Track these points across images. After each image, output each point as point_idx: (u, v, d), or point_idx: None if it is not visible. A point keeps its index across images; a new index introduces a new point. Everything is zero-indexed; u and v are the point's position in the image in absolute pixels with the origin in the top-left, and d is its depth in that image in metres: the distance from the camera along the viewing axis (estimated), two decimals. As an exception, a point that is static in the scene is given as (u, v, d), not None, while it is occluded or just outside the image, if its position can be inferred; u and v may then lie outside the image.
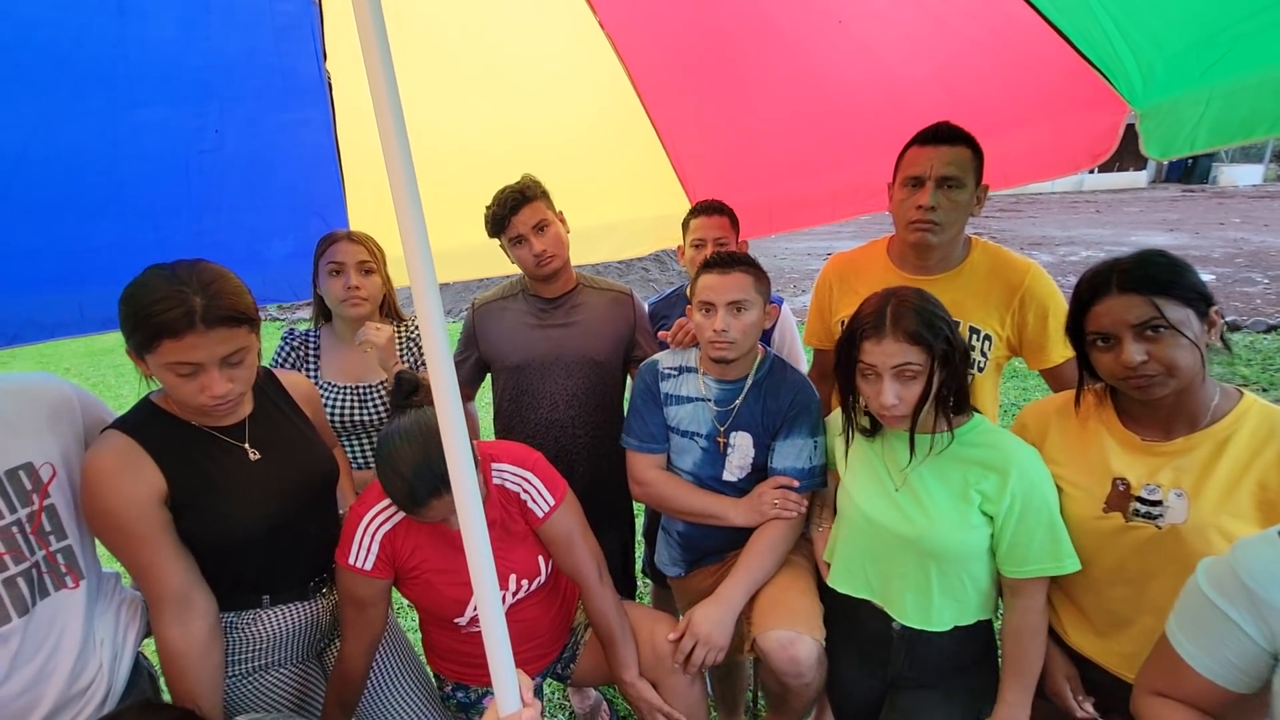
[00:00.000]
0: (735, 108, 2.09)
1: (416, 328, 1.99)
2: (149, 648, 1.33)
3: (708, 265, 1.58)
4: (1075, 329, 1.22)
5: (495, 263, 2.21)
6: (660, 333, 1.91)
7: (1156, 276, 1.11)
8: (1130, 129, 1.63)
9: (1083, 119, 1.67)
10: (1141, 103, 1.55)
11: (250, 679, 1.41)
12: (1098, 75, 1.56)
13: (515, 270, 2.03)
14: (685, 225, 2.12)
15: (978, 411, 1.35)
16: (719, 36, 1.88)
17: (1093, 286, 1.17)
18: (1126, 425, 1.24)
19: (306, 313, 8.07)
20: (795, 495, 1.60)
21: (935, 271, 1.66)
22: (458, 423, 0.89)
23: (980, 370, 1.66)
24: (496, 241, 1.95)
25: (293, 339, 1.91)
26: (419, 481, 1.23)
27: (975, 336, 1.64)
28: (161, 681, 1.32)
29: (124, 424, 1.25)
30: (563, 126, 2.23)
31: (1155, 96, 1.53)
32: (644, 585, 2.88)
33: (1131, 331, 1.12)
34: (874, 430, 1.42)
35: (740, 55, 1.92)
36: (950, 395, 1.29)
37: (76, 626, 1.18)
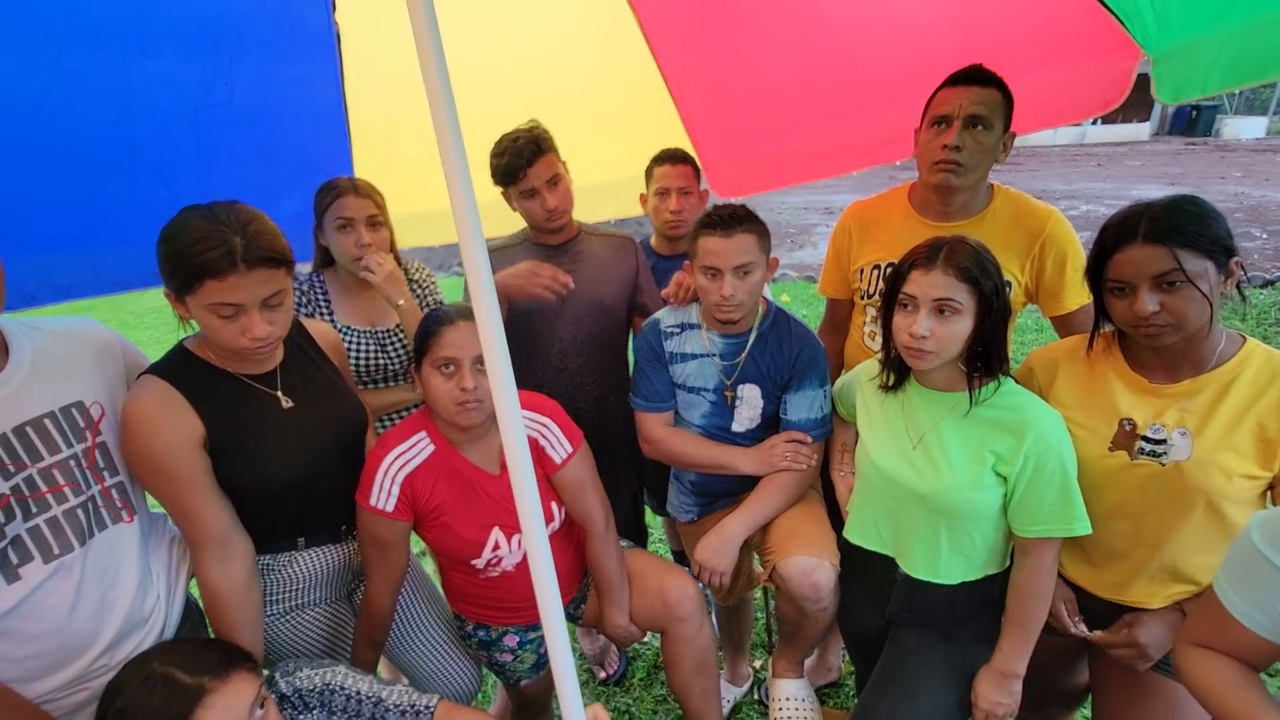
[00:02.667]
0: (745, 56, 2.06)
1: (418, 269, 1.97)
2: (193, 588, 1.38)
3: (709, 226, 1.54)
4: (1095, 273, 1.23)
5: (493, 222, 2.20)
6: (663, 291, 1.92)
7: (1184, 227, 1.12)
8: (1138, 78, 1.62)
9: (1097, 64, 1.66)
10: (1155, 46, 1.55)
11: (286, 618, 1.46)
12: (1112, 19, 1.55)
13: (506, 232, 2.01)
14: (649, 174, 2.12)
15: (1009, 377, 1.35)
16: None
17: (1119, 234, 1.18)
18: (1134, 369, 1.27)
19: (301, 269, 7.90)
20: (806, 449, 1.64)
21: (957, 218, 1.65)
22: (506, 373, 0.91)
23: (1009, 316, 1.67)
24: (494, 197, 1.91)
25: (298, 284, 1.84)
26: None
27: None
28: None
29: (160, 369, 1.27)
30: (571, 80, 2.19)
31: (1169, 39, 1.52)
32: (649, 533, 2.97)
33: (1149, 282, 1.14)
34: (898, 385, 1.43)
35: (752, 2, 1.88)
36: (983, 349, 1.29)
37: (133, 559, 1.22)
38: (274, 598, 1.44)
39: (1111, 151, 20.36)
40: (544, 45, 2.12)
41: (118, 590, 1.19)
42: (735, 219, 1.53)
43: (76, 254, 1.79)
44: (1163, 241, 1.12)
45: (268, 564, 1.43)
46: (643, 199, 2.20)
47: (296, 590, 1.47)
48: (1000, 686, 1.36)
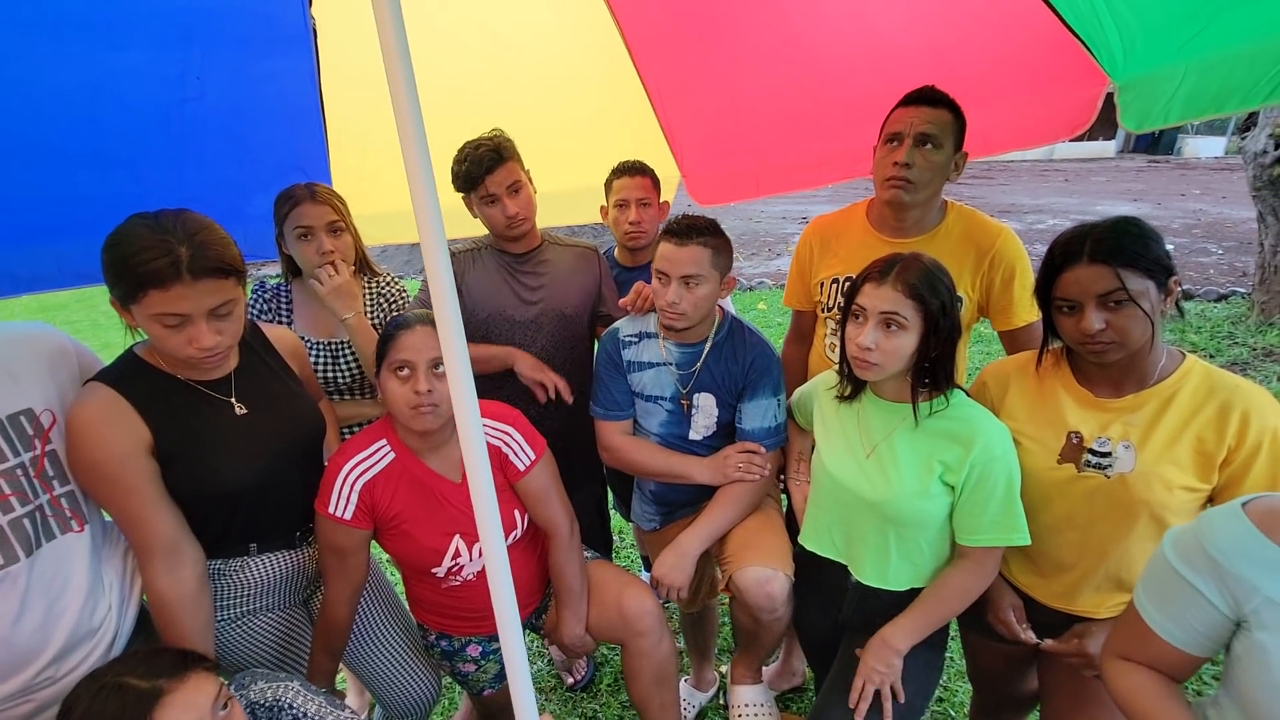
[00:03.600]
0: (726, 71, 2.08)
1: (389, 283, 1.95)
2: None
3: (667, 232, 1.58)
4: (1044, 291, 1.27)
5: (464, 225, 2.19)
6: (621, 301, 1.93)
7: (1126, 248, 1.17)
8: (1106, 99, 1.68)
9: (1064, 90, 1.71)
10: (1121, 75, 1.60)
11: (237, 624, 1.44)
12: (1080, 47, 1.60)
13: (479, 232, 2.00)
14: (608, 186, 2.13)
15: (960, 389, 1.39)
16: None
17: (1065, 253, 1.22)
18: (1081, 383, 1.32)
19: (272, 269, 7.83)
20: (759, 459, 1.66)
21: (911, 234, 1.69)
22: (467, 381, 0.91)
23: (959, 336, 1.72)
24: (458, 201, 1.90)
25: (264, 292, 1.84)
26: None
27: None
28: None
29: (107, 376, 1.24)
30: (554, 88, 2.19)
31: (1135, 70, 1.58)
32: (620, 539, 2.98)
33: (1095, 301, 1.19)
34: (853, 396, 1.46)
35: (734, 17, 1.90)
36: (930, 365, 1.32)
37: (83, 569, 1.19)
38: (224, 603, 1.42)
39: (1079, 167, 20.94)
40: (528, 55, 2.13)
41: (65, 601, 1.16)
42: (693, 229, 1.55)
43: (40, 247, 1.74)
44: (1107, 261, 1.17)
45: (218, 569, 1.40)
46: (603, 211, 2.21)
47: (248, 596, 1.44)
48: (879, 655, 1.39)
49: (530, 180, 1.89)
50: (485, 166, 1.76)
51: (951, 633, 1.59)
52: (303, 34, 1.78)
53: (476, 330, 1.95)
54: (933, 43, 1.80)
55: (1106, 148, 25.00)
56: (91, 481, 1.21)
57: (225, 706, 1.07)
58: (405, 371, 1.36)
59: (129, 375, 1.25)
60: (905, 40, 1.82)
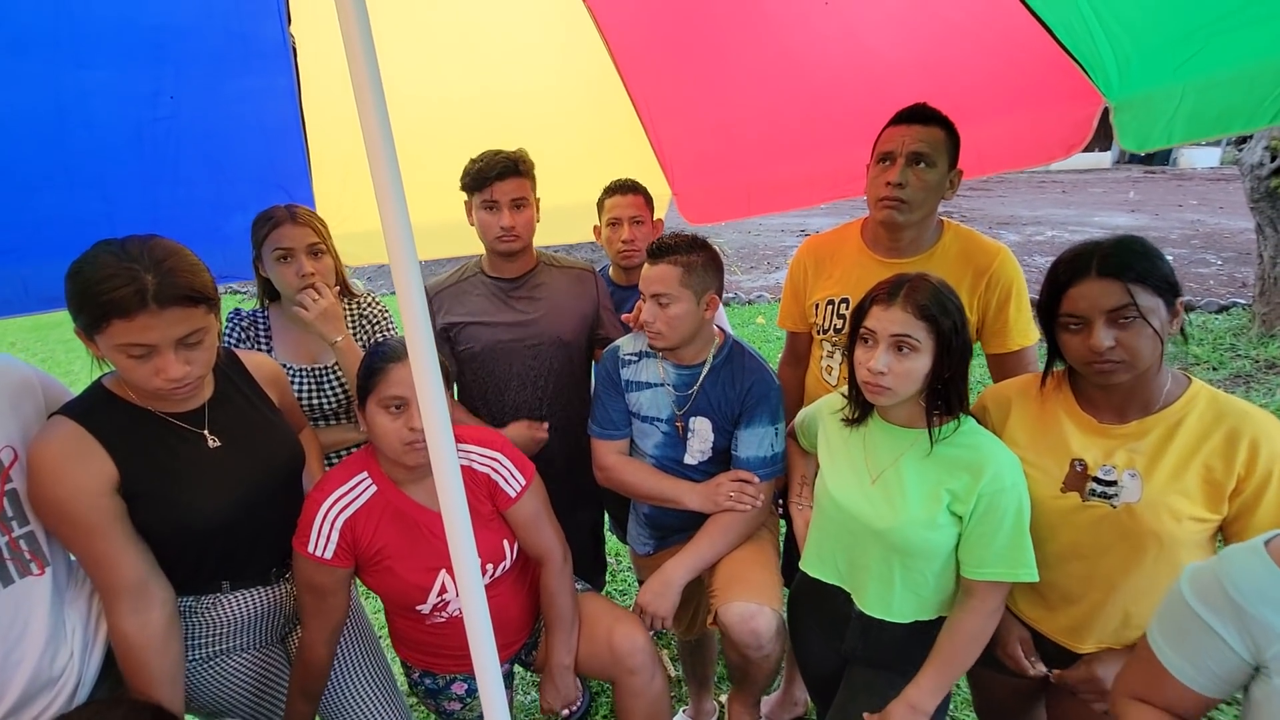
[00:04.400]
0: (717, 89, 2.06)
1: (370, 304, 1.91)
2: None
3: (647, 251, 1.59)
4: (1049, 310, 1.23)
5: (461, 243, 2.15)
6: (624, 315, 1.89)
7: (1134, 264, 1.14)
8: (1103, 113, 1.65)
9: (1059, 110, 1.68)
10: (1116, 96, 1.57)
11: (210, 664, 1.38)
12: (1075, 67, 1.57)
13: (478, 251, 1.97)
14: (600, 205, 2.13)
15: (970, 415, 1.35)
16: (703, 15, 1.84)
17: (1072, 269, 1.18)
18: (1084, 409, 1.28)
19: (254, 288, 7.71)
20: (752, 489, 1.62)
21: (907, 254, 1.66)
22: (439, 405, 0.87)
23: (970, 355, 1.68)
24: (462, 219, 1.89)
25: (240, 319, 1.79)
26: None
27: None
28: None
29: (72, 409, 1.19)
30: (542, 104, 2.17)
31: (1130, 90, 1.55)
32: (615, 561, 2.92)
33: (1104, 317, 1.14)
34: (859, 420, 1.42)
35: (724, 36, 1.88)
36: (942, 388, 1.29)
37: (43, 613, 1.14)
38: (196, 642, 1.36)
39: (1075, 178, 21.04)
40: (518, 75, 2.11)
41: (23, 649, 1.10)
42: (665, 249, 1.56)
43: (5, 271, 1.69)
44: (1117, 276, 1.13)
45: (190, 606, 1.34)
46: (596, 230, 2.20)
47: (221, 635, 1.38)
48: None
49: (537, 206, 1.87)
50: (497, 172, 1.75)
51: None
52: (281, 51, 1.75)
53: (474, 362, 1.91)
54: (925, 61, 1.78)
55: (1102, 159, 25.16)
56: (53, 520, 1.16)
57: None
58: (398, 408, 1.32)
59: (95, 408, 1.20)
60: (897, 58, 1.79)
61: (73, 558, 1.25)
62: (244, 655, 1.42)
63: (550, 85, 2.19)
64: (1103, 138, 1.69)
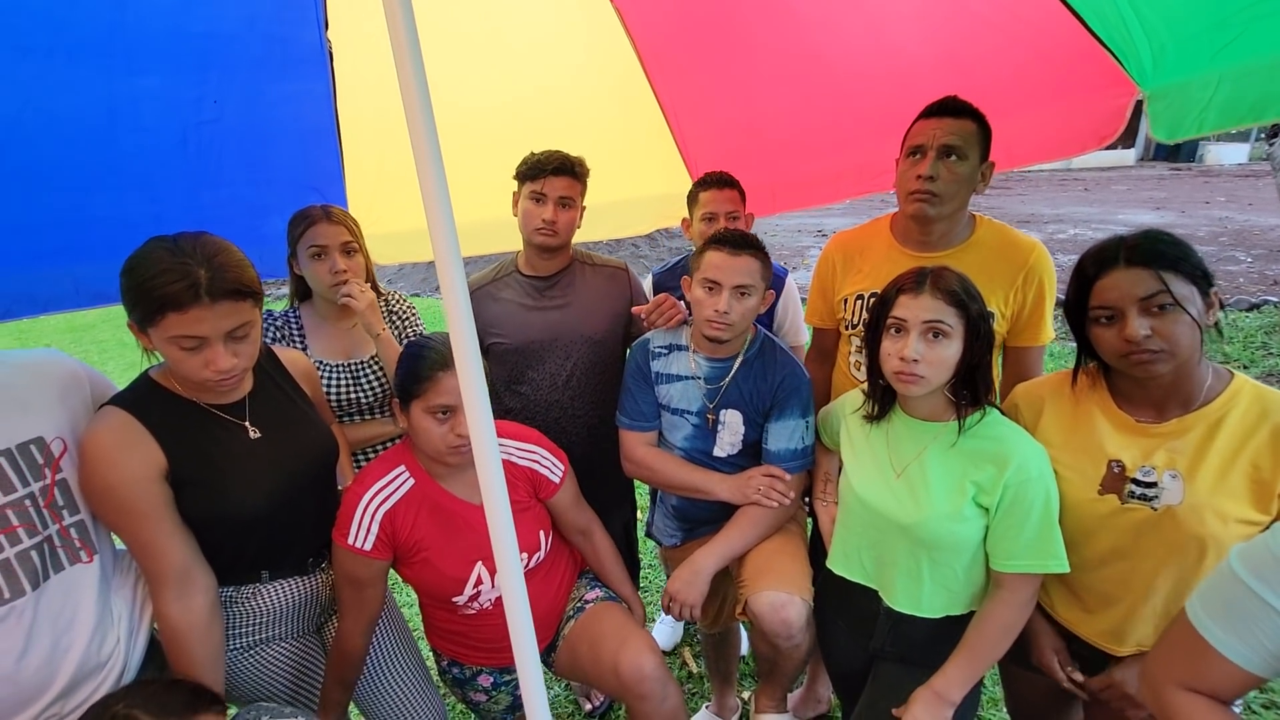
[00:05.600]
0: (742, 86, 2.07)
1: (398, 301, 1.96)
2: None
3: (718, 242, 1.56)
4: (1078, 306, 1.21)
5: (492, 240, 2.18)
6: (634, 309, 1.89)
7: (1165, 253, 1.12)
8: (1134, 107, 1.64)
9: (1091, 100, 1.66)
10: (1151, 84, 1.56)
11: (250, 653, 1.41)
12: (1108, 56, 1.55)
13: (509, 249, 2.00)
14: (693, 198, 2.09)
15: (994, 406, 1.34)
16: (729, 12, 1.85)
17: (1099, 261, 1.17)
18: (1121, 407, 1.25)
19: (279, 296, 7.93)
20: (782, 485, 1.62)
21: (938, 248, 1.65)
22: (483, 403, 0.89)
23: (994, 343, 1.68)
24: (495, 217, 1.93)
25: (273, 319, 1.83)
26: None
27: None
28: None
29: (122, 400, 1.23)
30: (568, 102, 2.19)
31: (1165, 78, 1.53)
32: (644, 559, 2.93)
33: (1137, 306, 1.12)
34: (881, 415, 1.42)
35: (749, 32, 1.89)
36: (969, 376, 1.28)
37: (91, 600, 1.17)
38: (236, 631, 1.39)
39: (1098, 176, 20.72)
40: (543, 73, 2.13)
41: (72, 635, 1.14)
42: (745, 241, 1.56)
43: (56, 269, 1.75)
44: (1147, 264, 1.11)
45: (230, 596, 1.38)
46: (685, 224, 2.16)
47: (260, 624, 1.42)
48: (932, 710, 1.31)
49: (582, 210, 1.90)
50: (553, 167, 1.79)
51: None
52: (319, 56, 1.79)
53: (504, 360, 1.94)
54: (951, 53, 1.77)
55: (1126, 156, 24.73)
56: (104, 507, 1.20)
57: None
58: (446, 414, 1.35)
59: (144, 399, 1.24)
60: (923, 51, 1.79)
61: (119, 546, 1.29)
62: (282, 644, 1.46)
63: (576, 85, 2.21)
64: (1126, 135, 1.67)
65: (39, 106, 1.47)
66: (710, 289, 1.55)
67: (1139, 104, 1.63)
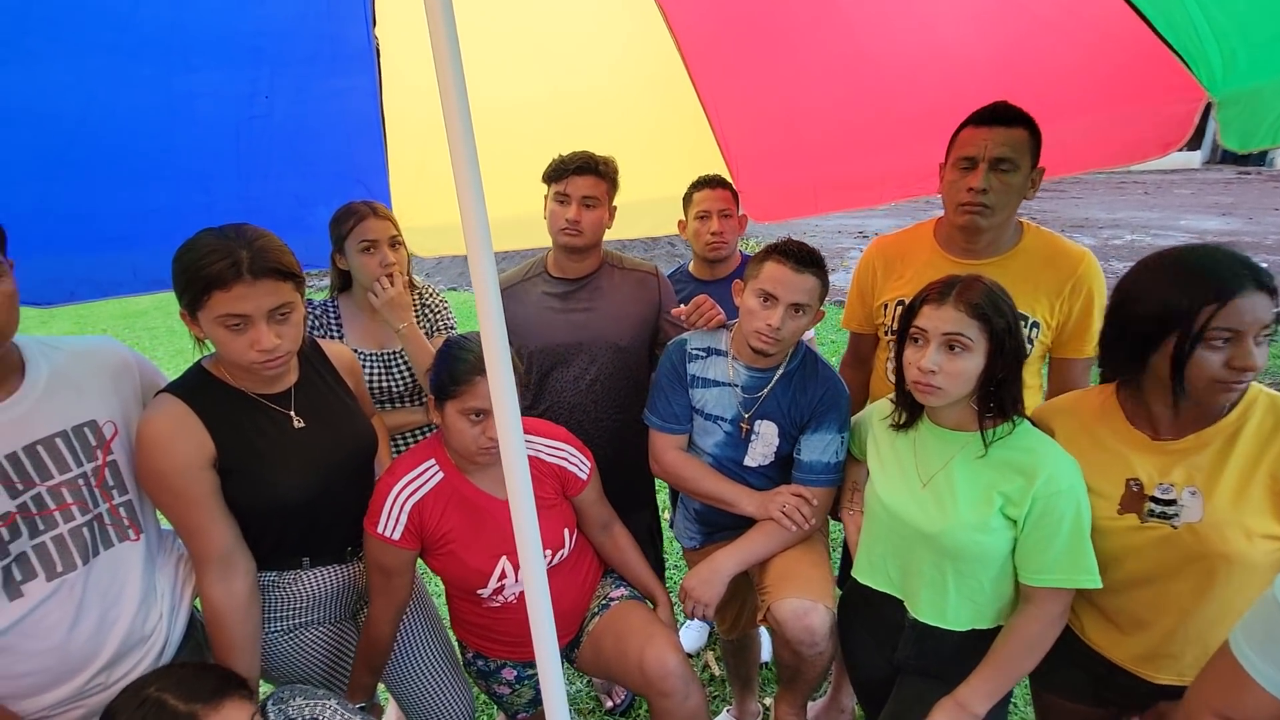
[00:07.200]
0: (786, 84, 2.03)
1: (431, 294, 2.00)
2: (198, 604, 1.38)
3: (783, 254, 1.51)
4: (1171, 325, 1.10)
5: (524, 236, 2.20)
6: (672, 310, 1.87)
7: (1270, 279, 1.07)
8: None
9: (1155, 105, 1.59)
10: (1220, 90, 1.48)
11: (289, 636, 1.46)
12: (1175, 59, 1.48)
13: (543, 244, 2.01)
14: (687, 199, 2.15)
15: (1025, 418, 1.31)
16: (775, 9, 1.82)
17: (1224, 280, 1.07)
18: (1135, 425, 1.22)
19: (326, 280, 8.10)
20: (808, 509, 1.59)
21: (984, 256, 1.62)
22: (510, 396, 0.90)
23: (1025, 357, 1.63)
24: (530, 213, 1.94)
25: (313, 309, 1.89)
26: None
27: (1023, 323, 1.60)
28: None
29: (176, 388, 1.29)
30: (609, 100, 2.19)
31: (1236, 84, 1.46)
32: (670, 559, 2.93)
33: (1258, 332, 1.06)
34: (908, 423, 1.40)
35: (796, 30, 1.86)
36: (995, 390, 1.26)
37: (137, 577, 1.23)
38: (278, 615, 1.44)
39: (1160, 179, 19.77)
40: (585, 73, 2.13)
41: (119, 609, 1.20)
42: (812, 259, 1.52)
43: (117, 255, 1.84)
44: (1269, 290, 1.06)
45: (273, 581, 1.42)
46: (681, 225, 2.21)
47: (300, 609, 1.46)
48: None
49: (611, 211, 1.89)
50: (575, 166, 1.79)
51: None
52: (366, 53, 1.83)
53: (529, 364, 1.95)
54: (1006, 53, 1.71)
55: (1191, 158, 23.55)
56: (156, 490, 1.25)
57: None
58: (479, 416, 1.38)
59: (196, 388, 1.29)
60: (975, 51, 1.73)
61: (164, 526, 1.35)
62: (320, 629, 1.50)
63: (617, 83, 2.21)
64: (1192, 136, 1.59)
65: (103, 102, 1.54)
66: (766, 301, 1.51)
67: (1207, 107, 1.55)
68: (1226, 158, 24.43)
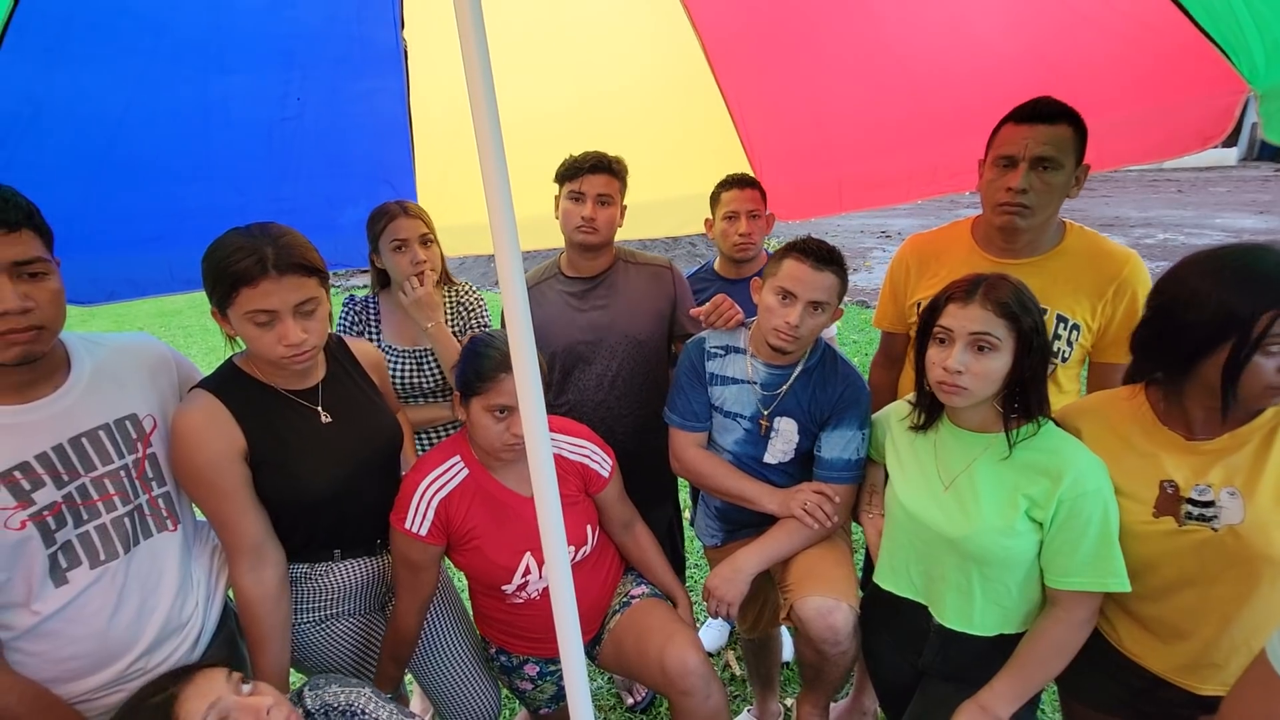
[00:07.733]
0: (811, 80, 2.02)
1: (468, 292, 2.02)
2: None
3: (802, 252, 1.50)
4: (1229, 328, 1.05)
5: (540, 236, 2.21)
6: (691, 310, 1.87)
7: None
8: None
9: (1195, 98, 1.55)
10: (1264, 83, 1.44)
11: (320, 626, 1.49)
12: (1216, 52, 1.44)
13: (548, 246, 2.03)
14: (715, 198, 2.14)
15: (1050, 420, 1.28)
16: (799, 7, 1.81)
17: None
18: (1168, 425, 1.18)
19: (359, 279, 8.28)
20: (830, 506, 1.58)
21: (1023, 255, 1.58)
22: (536, 392, 0.91)
23: (1064, 360, 1.59)
24: (545, 213, 1.95)
25: (354, 305, 1.96)
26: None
27: (1063, 325, 1.57)
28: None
29: (209, 383, 1.32)
30: (633, 99, 2.19)
31: (1278, 77, 1.41)
32: (691, 558, 2.92)
33: None
34: (928, 424, 1.38)
35: (820, 27, 1.85)
36: (1020, 390, 1.24)
37: (174, 566, 1.27)
38: (309, 605, 1.47)
39: (1194, 177, 19.25)
40: (610, 71, 2.14)
41: (158, 597, 1.23)
42: (830, 256, 1.51)
43: (154, 255, 1.89)
44: None
45: (305, 573, 1.45)
46: (708, 224, 2.21)
47: (331, 600, 1.49)
48: None
49: (623, 209, 1.91)
50: (589, 165, 1.82)
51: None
52: (394, 55, 1.85)
53: (549, 361, 1.96)
54: (1039, 47, 1.68)
55: (1226, 155, 22.86)
56: (190, 482, 1.29)
57: (247, 684, 1.13)
58: (504, 413, 1.40)
59: (228, 383, 1.33)
60: (1006, 46, 1.70)
61: (199, 517, 1.38)
62: (350, 620, 1.53)
63: (641, 81, 2.21)
64: (1229, 133, 1.55)
65: (141, 105, 1.58)
66: (785, 299, 1.51)
67: (1246, 100, 1.51)
68: (1264, 154, 23.66)
